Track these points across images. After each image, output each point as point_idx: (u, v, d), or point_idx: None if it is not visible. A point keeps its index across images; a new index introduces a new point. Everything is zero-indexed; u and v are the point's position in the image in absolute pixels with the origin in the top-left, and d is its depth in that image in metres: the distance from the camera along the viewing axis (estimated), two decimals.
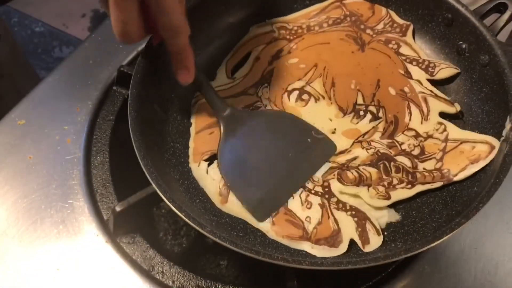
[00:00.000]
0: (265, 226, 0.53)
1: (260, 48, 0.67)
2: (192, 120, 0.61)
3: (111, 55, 0.60)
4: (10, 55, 0.85)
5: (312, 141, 0.57)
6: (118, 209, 0.53)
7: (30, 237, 0.55)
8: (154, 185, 0.48)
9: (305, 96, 0.62)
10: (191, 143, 0.59)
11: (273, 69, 0.65)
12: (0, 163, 0.60)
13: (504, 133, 0.51)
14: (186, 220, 0.46)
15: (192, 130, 0.60)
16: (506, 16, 0.57)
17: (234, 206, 0.54)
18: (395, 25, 0.66)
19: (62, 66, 0.68)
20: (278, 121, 0.59)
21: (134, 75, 0.56)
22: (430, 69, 0.62)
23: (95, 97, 0.66)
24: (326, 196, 0.54)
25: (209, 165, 0.57)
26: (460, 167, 0.54)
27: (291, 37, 0.67)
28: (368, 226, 0.52)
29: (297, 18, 0.69)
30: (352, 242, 0.51)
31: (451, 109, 0.59)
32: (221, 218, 0.54)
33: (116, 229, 0.56)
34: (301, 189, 0.55)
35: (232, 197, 0.54)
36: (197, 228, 0.46)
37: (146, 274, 0.53)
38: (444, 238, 0.44)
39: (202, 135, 0.60)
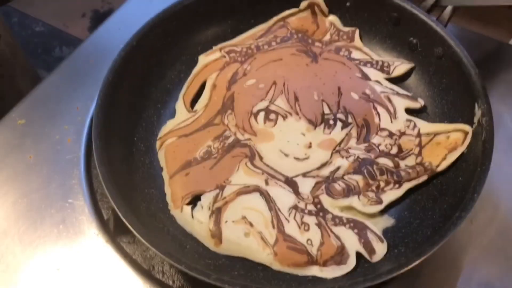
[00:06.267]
0: (268, 258, 0.50)
1: (214, 75, 0.65)
2: (163, 165, 0.57)
3: (111, 55, 0.58)
4: (10, 55, 0.85)
5: None
6: None
7: (30, 237, 0.55)
8: (146, 243, 0.44)
9: (272, 116, 0.60)
10: (167, 189, 0.56)
11: (232, 94, 0.63)
12: (0, 163, 0.60)
13: (475, 119, 0.53)
14: (190, 273, 0.42)
15: (165, 175, 0.57)
16: (449, 8, 0.59)
17: (230, 245, 0.51)
18: (341, 33, 0.67)
19: (62, 66, 0.68)
20: None
21: (94, 129, 0.52)
22: (385, 68, 0.64)
23: (95, 97, 0.61)
24: (321, 214, 0.53)
25: (192, 208, 0.54)
26: (440, 158, 0.54)
27: (243, 59, 0.66)
28: (370, 235, 0.51)
29: (244, 39, 0.68)
30: (358, 255, 0.50)
31: (415, 104, 0.60)
32: (217, 260, 0.51)
33: (116, 229, 0.54)
34: (294, 211, 0.53)
35: (226, 235, 0.51)
36: (204, 279, 0.42)
37: (146, 274, 0.52)
38: (450, 235, 0.44)
39: (178, 178, 0.56)
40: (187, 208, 0.54)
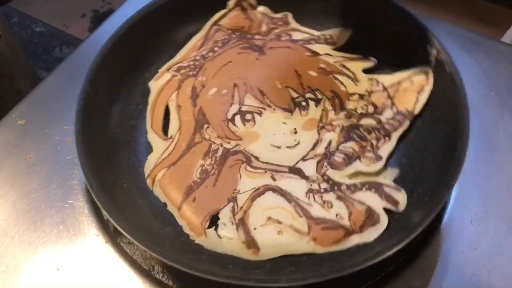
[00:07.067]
0: (309, 246, 0.51)
1: (173, 96, 0.63)
2: (164, 200, 0.55)
3: None
4: (10, 55, 0.84)
5: None
6: None
7: (30, 237, 0.55)
8: (218, 279, 0.42)
9: (248, 116, 0.61)
10: (181, 221, 0.53)
11: (200, 108, 0.62)
12: (0, 163, 0.60)
13: (432, 59, 0.58)
14: (265, 285, 0.42)
15: (171, 208, 0.54)
16: None
17: (269, 248, 0.51)
18: (275, 20, 0.69)
19: (62, 66, 0.68)
20: None
21: (91, 188, 0.48)
22: (329, 40, 0.67)
23: None
24: (336, 187, 0.54)
25: (215, 228, 0.52)
26: (412, 102, 0.59)
27: (194, 72, 0.65)
28: (387, 189, 0.54)
29: (187, 53, 0.67)
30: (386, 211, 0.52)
31: (369, 63, 0.64)
32: (263, 267, 0.50)
33: (116, 229, 0.51)
34: (311, 195, 0.54)
35: (261, 241, 0.51)
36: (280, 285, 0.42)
37: (146, 274, 0.52)
38: (464, 160, 0.48)
39: (186, 207, 0.54)
40: (211, 231, 0.52)
